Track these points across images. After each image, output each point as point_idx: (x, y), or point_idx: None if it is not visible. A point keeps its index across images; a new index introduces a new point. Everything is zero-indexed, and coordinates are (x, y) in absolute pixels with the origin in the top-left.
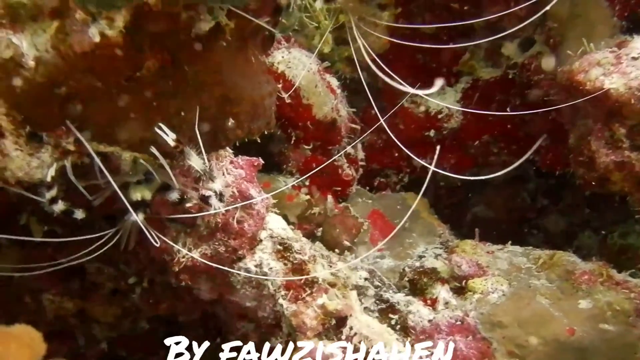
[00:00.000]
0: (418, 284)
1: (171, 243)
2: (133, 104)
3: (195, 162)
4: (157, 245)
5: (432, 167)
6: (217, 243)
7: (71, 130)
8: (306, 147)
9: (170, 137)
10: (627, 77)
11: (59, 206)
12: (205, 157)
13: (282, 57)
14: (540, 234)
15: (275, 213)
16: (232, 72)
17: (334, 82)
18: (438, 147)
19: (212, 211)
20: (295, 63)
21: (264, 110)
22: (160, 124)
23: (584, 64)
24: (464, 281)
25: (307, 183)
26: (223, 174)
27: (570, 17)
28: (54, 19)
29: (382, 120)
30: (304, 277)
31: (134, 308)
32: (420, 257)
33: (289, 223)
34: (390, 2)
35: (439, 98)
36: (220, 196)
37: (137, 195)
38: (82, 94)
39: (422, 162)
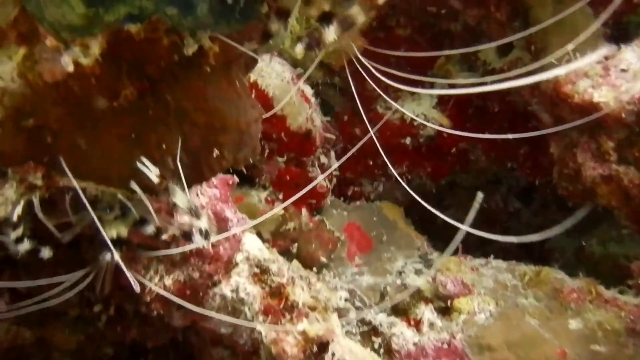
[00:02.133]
0: (400, 304)
1: (143, 279)
2: (109, 136)
3: (181, 199)
4: (137, 291)
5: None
6: (191, 269)
7: (39, 166)
8: (280, 158)
9: (153, 173)
10: (618, 91)
11: (25, 245)
12: (187, 192)
13: None
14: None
15: (250, 232)
16: (216, 98)
17: (308, 91)
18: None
19: (193, 246)
20: (268, 72)
21: (250, 138)
22: (142, 158)
23: (571, 74)
24: (449, 301)
25: (280, 197)
26: (197, 195)
27: (553, 23)
28: (20, 45)
29: (372, 132)
30: (293, 327)
31: (99, 334)
32: (400, 272)
33: (262, 240)
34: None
35: (414, 104)
36: (205, 234)
37: (112, 232)
38: (52, 125)
39: (404, 183)
